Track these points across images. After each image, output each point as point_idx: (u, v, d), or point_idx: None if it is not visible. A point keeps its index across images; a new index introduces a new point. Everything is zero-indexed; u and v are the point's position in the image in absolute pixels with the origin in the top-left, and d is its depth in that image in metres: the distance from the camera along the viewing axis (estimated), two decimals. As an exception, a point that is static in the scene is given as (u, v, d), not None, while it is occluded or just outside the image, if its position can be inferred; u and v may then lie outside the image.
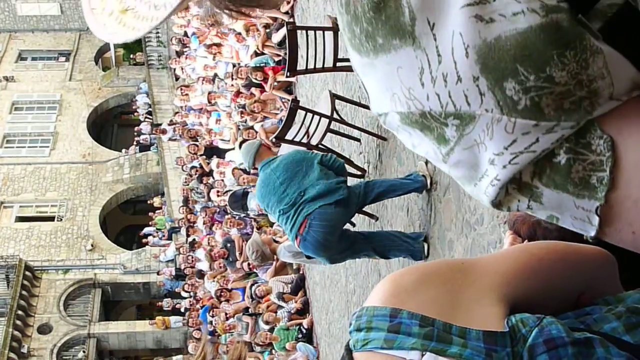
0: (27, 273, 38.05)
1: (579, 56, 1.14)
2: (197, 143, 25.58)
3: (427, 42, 1.20)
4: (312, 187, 8.13)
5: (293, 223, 8.01)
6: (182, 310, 30.90)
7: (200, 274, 27.16)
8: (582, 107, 1.17)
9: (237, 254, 19.68)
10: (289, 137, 10.59)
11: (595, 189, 1.20)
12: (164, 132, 31.77)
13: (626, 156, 1.17)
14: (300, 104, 11.14)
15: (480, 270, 1.38)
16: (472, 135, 1.23)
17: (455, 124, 1.23)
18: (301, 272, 19.36)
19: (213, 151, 24.56)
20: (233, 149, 21.56)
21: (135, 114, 45.86)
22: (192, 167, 27.60)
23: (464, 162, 1.27)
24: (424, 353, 1.24)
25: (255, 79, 19.01)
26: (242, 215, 19.99)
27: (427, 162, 8.54)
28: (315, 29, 10.85)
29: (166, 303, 33.45)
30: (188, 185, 28.80)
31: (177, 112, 28.25)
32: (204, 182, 25.82)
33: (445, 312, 1.28)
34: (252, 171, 19.26)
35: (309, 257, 8.90)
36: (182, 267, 29.34)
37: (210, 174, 24.82)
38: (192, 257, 26.90)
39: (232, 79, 19.98)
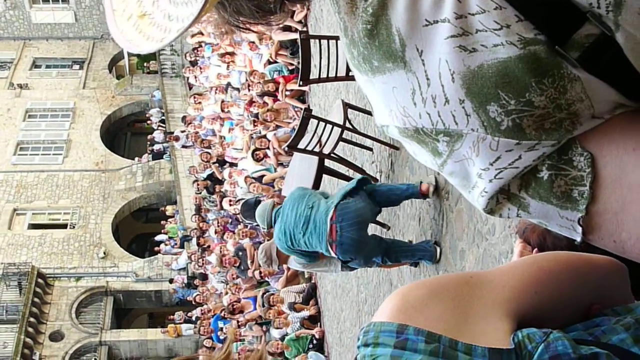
0: (40, 280, 38.11)
1: (557, 83, 1.21)
2: (209, 151, 25.60)
3: (417, 67, 1.28)
4: (317, 199, 8.30)
5: (319, 234, 8.03)
6: (194, 318, 30.90)
7: (204, 277, 27.26)
8: (563, 126, 1.24)
9: (249, 262, 19.66)
10: (301, 146, 10.59)
11: (576, 201, 1.28)
12: (177, 139, 31.82)
13: (605, 172, 1.24)
14: (313, 113, 11.17)
15: (488, 284, 1.38)
16: (461, 151, 1.32)
17: (446, 141, 1.33)
18: (313, 281, 19.34)
19: (225, 161, 24.58)
20: (245, 157, 21.56)
21: (149, 122, 45.95)
22: (194, 181, 27.88)
23: (457, 172, 1.37)
24: None
25: (268, 89, 19.04)
26: (255, 224, 19.97)
27: (438, 173, 8.54)
28: (328, 38, 10.86)
29: (178, 316, 33.48)
30: (201, 193, 28.83)
31: (189, 123, 28.22)
32: (217, 190, 25.86)
33: (451, 328, 1.28)
34: (263, 181, 19.37)
35: (343, 263, 8.94)
36: (194, 269, 29.46)
37: (222, 182, 24.85)
38: (204, 260, 26.97)
39: (249, 89, 19.98)
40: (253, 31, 1.32)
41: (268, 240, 13.53)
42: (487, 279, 1.40)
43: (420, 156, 1.44)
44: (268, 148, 19.24)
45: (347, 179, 11.17)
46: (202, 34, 25.24)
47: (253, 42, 20.30)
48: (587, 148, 1.25)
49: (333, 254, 8.25)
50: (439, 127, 1.31)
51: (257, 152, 19.46)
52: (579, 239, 1.34)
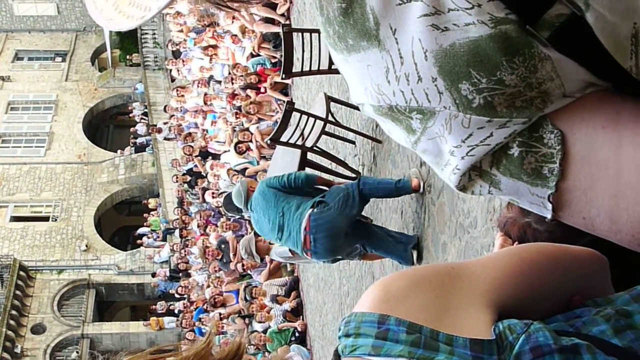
0: (22, 273, 38.07)
1: (528, 62, 1.22)
2: (192, 144, 25.58)
3: (390, 45, 1.28)
4: (287, 202, 8.25)
5: (294, 242, 8.08)
6: (176, 311, 30.88)
7: (187, 274, 27.25)
8: (534, 104, 1.25)
9: (231, 255, 19.66)
10: (283, 139, 10.60)
11: (546, 178, 1.29)
12: (159, 131, 31.76)
13: (575, 149, 1.25)
14: (296, 106, 11.16)
15: (469, 275, 1.38)
16: (434, 128, 1.33)
17: (419, 118, 1.33)
18: (295, 274, 19.36)
19: (208, 154, 24.56)
20: (228, 151, 21.56)
21: (131, 115, 45.86)
22: (174, 176, 27.82)
23: (430, 150, 1.38)
24: None
25: (251, 82, 19.04)
26: (237, 217, 19.96)
27: (421, 165, 8.57)
28: (311, 31, 10.85)
29: (160, 306, 33.42)
30: (183, 186, 28.80)
31: (172, 116, 28.22)
32: (198, 184, 25.84)
33: (433, 318, 1.28)
34: (246, 173, 19.34)
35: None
36: (177, 263, 29.43)
37: (205, 176, 24.83)
38: (186, 251, 26.96)
39: (232, 82, 19.96)
40: (233, 9, 1.33)
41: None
42: (468, 270, 1.40)
43: (394, 134, 1.44)
44: (251, 141, 19.25)
45: (330, 172, 11.18)
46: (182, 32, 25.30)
47: (235, 36, 20.29)
48: (558, 126, 1.26)
49: (309, 259, 8.31)
50: (412, 104, 1.32)
51: (240, 145, 19.46)
52: (549, 216, 1.34)
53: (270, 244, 14.12)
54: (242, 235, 19.49)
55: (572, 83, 1.25)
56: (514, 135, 1.28)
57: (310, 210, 8.04)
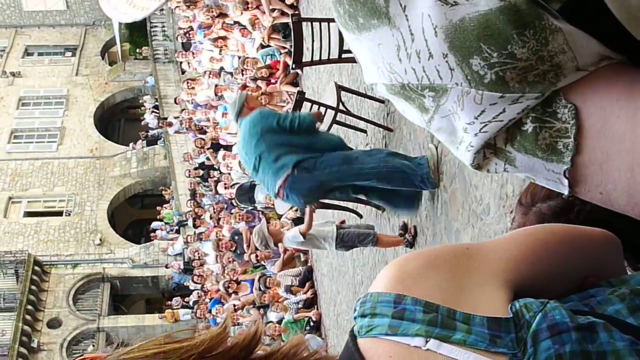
0: (36, 268, 38.13)
1: (538, 35, 1.21)
2: (203, 137, 25.57)
3: (400, 22, 1.28)
4: (267, 151, 7.91)
5: (267, 187, 8.01)
6: (191, 303, 30.88)
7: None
8: (547, 79, 1.24)
9: (245, 246, 19.67)
10: (295, 129, 10.59)
11: (561, 154, 1.27)
12: (170, 124, 31.76)
13: (589, 123, 1.23)
14: (306, 96, 11.15)
15: (485, 255, 1.38)
16: (447, 105, 1.32)
17: (431, 96, 1.32)
18: (309, 264, 19.36)
19: (219, 146, 24.56)
20: (240, 141, 21.53)
21: (142, 108, 45.85)
22: (187, 170, 27.75)
23: (444, 128, 1.37)
24: (428, 339, 1.23)
25: (262, 75, 19.02)
26: (250, 207, 19.97)
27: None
28: (320, 20, 10.84)
29: (175, 302, 33.41)
30: (195, 178, 28.80)
31: (183, 109, 28.22)
32: (210, 176, 25.82)
33: (449, 297, 1.28)
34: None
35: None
36: (190, 258, 29.40)
37: (217, 168, 24.83)
38: (200, 252, 26.91)
39: (242, 74, 19.93)
40: None
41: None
42: (483, 250, 1.41)
43: (408, 114, 1.44)
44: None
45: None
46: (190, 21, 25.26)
47: (245, 28, 20.26)
48: (571, 100, 1.24)
49: (279, 200, 8.30)
50: (424, 82, 1.31)
51: (251, 136, 19.41)
52: (566, 192, 1.33)
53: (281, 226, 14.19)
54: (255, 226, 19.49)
55: (585, 56, 1.24)
56: (527, 111, 1.27)
57: (289, 171, 7.79)
